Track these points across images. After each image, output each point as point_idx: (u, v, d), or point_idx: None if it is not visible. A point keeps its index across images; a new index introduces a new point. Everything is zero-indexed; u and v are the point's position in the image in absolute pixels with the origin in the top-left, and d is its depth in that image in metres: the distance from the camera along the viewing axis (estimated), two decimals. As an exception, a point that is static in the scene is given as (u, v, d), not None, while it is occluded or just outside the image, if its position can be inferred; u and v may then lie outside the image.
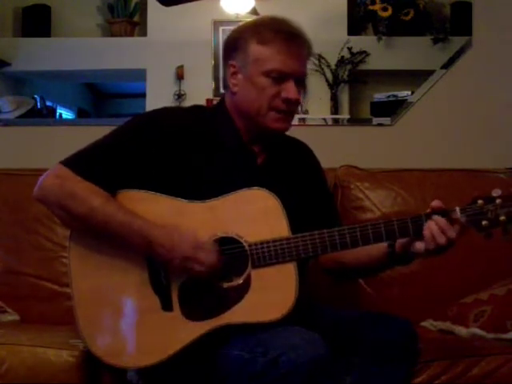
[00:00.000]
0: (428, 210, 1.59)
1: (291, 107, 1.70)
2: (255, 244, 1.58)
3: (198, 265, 1.56)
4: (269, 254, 1.58)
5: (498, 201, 1.56)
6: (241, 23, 1.81)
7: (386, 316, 1.70)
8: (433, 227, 1.55)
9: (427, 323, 2.17)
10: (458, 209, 1.57)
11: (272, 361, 1.45)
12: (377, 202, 2.39)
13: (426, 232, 1.56)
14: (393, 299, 2.27)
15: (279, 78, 1.66)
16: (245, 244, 1.59)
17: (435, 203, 1.59)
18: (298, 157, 1.87)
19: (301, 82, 1.72)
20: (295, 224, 1.62)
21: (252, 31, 1.70)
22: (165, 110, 1.78)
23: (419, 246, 1.58)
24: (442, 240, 1.54)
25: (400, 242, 1.63)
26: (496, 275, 2.23)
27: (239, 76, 1.71)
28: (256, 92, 1.68)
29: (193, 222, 1.61)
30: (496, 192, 1.57)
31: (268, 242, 1.58)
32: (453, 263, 2.23)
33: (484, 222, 1.56)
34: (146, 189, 1.63)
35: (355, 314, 1.80)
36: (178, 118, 1.74)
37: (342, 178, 2.42)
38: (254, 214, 1.61)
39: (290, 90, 1.67)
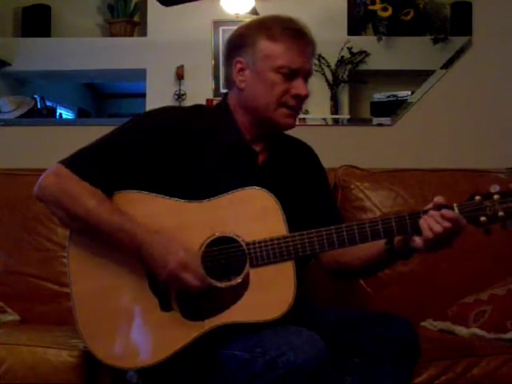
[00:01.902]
0: (429, 206, 1.58)
1: (300, 103, 1.72)
2: (253, 243, 1.58)
3: (186, 280, 1.55)
4: (266, 253, 1.58)
5: (496, 197, 1.55)
6: (243, 22, 1.81)
7: (386, 316, 1.70)
8: (428, 219, 1.55)
9: (427, 323, 2.17)
10: (455, 205, 1.57)
11: (271, 361, 1.45)
12: (377, 201, 2.39)
13: (423, 225, 1.55)
14: (393, 299, 2.27)
15: (289, 74, 1.67)
16: (242, 243, 1.59)
17: (437, 199, 1.58)
18: (300, 157, 1.86)
19: (307, 79, 1.72)
20: (296, 224, 1.62)
21: (260, 28, 1.70)
22: (164, 109, 1.77)
23: (418, 240, 1.57)
24: (438, 228, 1.52)
25: (399, 237, 1.62)
26: (496, 275, 2.22)
27: (247, 72, 1.70)
28: (265, 88, 1.68)
29: (191, 222, 1.61)
30: (494, 188, 1.56)
31: (266, 241, 1.58)
32: (453, 263, 2.23)
33: (482, 218, 1.55)
34: (144, 189, 1.63)
35: (355, 313, 1.80)
36: (177, 117, 1.74)
37: (342, 178, 2.42)
38: (252, 214, 1.61)
39: (300, 86, 1.68)
